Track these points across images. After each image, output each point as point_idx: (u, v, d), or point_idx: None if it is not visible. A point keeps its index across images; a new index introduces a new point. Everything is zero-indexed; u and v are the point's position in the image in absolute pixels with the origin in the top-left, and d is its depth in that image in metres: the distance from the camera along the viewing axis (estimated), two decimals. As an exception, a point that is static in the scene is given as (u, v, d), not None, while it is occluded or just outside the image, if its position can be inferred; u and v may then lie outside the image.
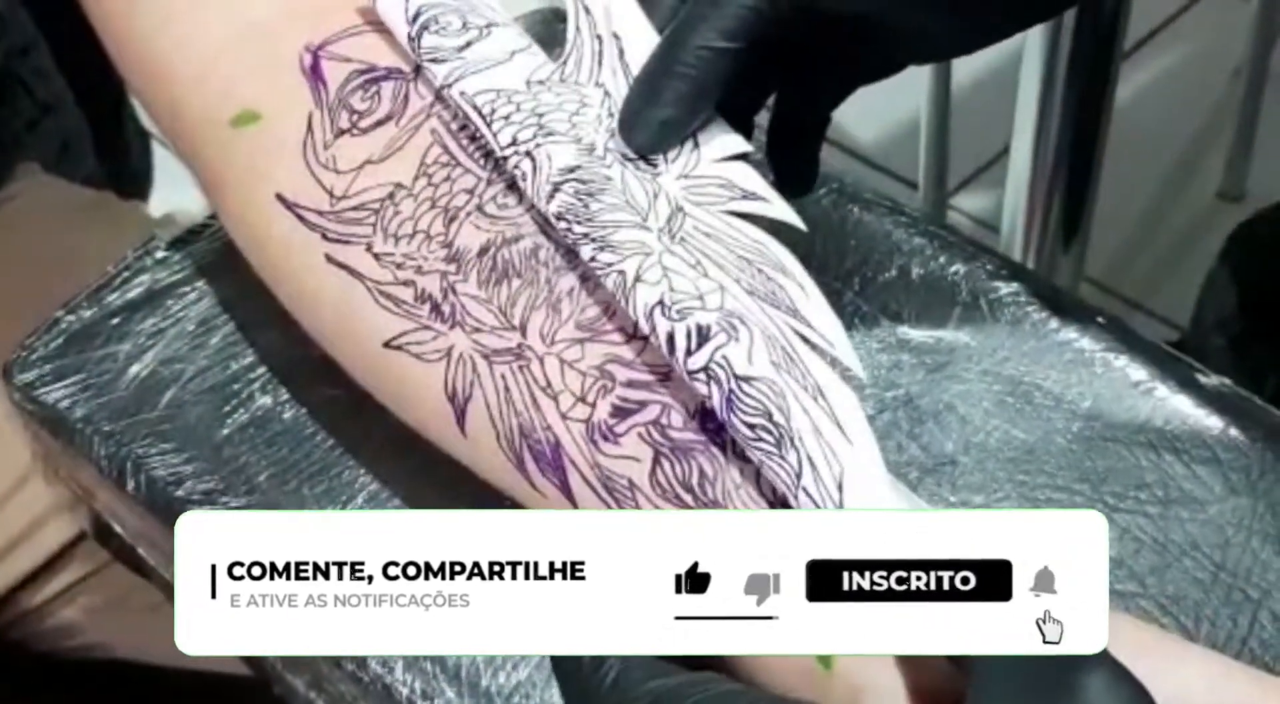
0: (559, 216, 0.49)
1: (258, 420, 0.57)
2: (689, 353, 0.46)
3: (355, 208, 0.52)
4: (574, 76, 0.53)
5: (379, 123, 0.53)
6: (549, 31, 0.67)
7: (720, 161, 0.50)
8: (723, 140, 0.50)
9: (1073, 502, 0.54)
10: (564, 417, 0.48)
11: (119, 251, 0.61)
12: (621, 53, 0.52)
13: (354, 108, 0.53)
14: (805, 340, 0.46)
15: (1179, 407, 0.56)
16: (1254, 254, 1.01)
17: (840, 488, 0.44)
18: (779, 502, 0.46)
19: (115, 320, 0.59)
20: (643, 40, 0.52)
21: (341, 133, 0.53)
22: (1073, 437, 0.55)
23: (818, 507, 0.44)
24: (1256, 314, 0.98)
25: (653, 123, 0.50)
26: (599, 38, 0.52)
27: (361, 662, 0.51)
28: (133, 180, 1.16)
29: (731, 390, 0.45)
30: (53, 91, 1.02)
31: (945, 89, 1.38)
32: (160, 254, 0.61)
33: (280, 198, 0.53)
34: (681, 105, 0.49)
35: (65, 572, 0.83)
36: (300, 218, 0.53)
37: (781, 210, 0.49)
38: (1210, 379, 0.57)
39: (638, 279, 0.47)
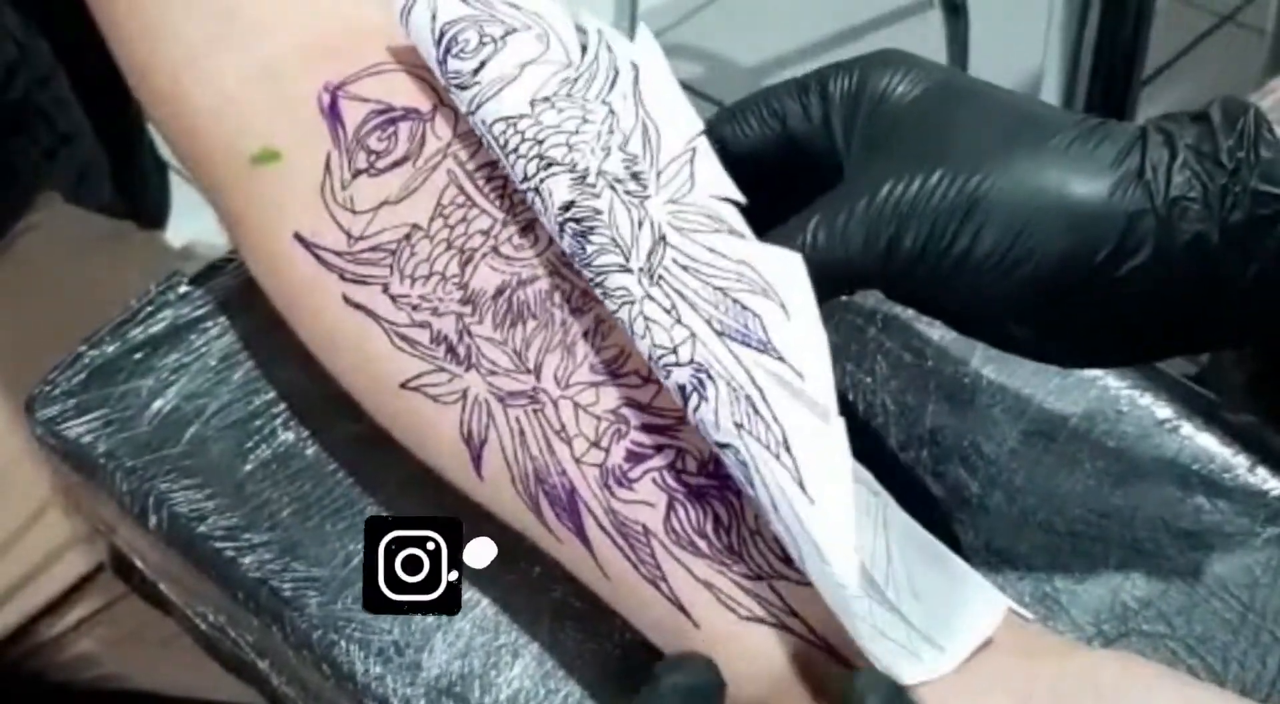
0: (570, 257, 0.49)
1: (280, 456, 0.56)
2: (686, 405, 0.46)
3: (372, 249, 0.52)
4: (582, 93, 0.52)
5: (396, 163, 0.53)
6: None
7: (712, 198, 0.49)
8: (718, 183, 0.49)
9: (1102, 539, 0.53)
10: (578, 461, 0.48)
11: (138, 281, 0.61)
12: (636, 79, 0.52)
13: (371, 148, 0.53)
14: (777, 377, 0.45)
15: (1205, 444, 0.56)
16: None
17: (804, 560, 0.44)
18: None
19: (138, 355, 0.59)
20: (661, 77, 0.52)
21: (359, 173, 0.53)
22: (1098, 475, 0.55)
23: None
24: (1274, 350, 0.98)
25: None
26: (617, 69, 0.52)
27: (384, 700, 0.51)
28: (151, 211, 1.16)
29: (716, 452, 0.46)
30: (72, 122, 1.02)
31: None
32: (183, 289, 0.61)
33: (299, 237, 0.53)
34: None
35: (82, 604, 0.83)
36: (318, 258, 0.53)
37: (763, 253, 0.47)
38: (1236, 417, 0.56)
39: (631, 331, 0.47)
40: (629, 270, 0.48)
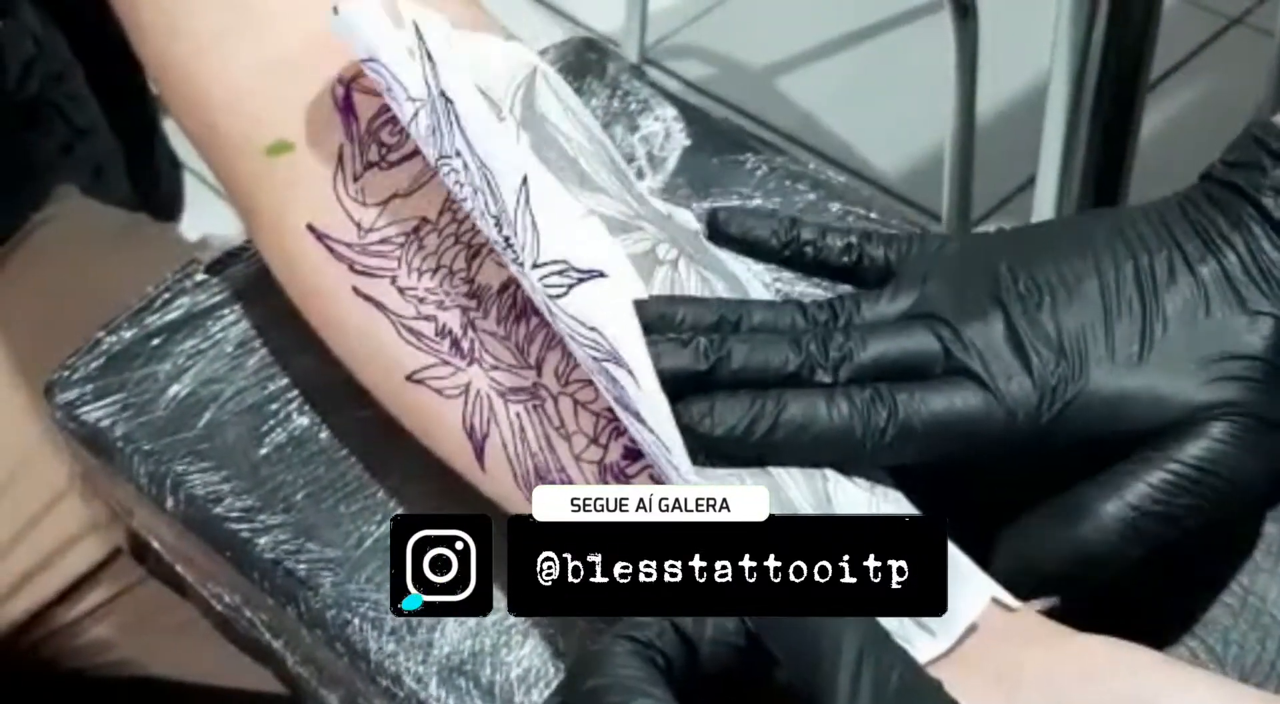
0: None
1: (295, 440, 0.57)
2: None
3: (381, 241, 0.53)
4: (441, 146, 0.50)
5: (407, 157, 0.54)
6: (580, 61, 0.68)
7: (565, 237, 0.48)
8: (564, 208, 0.48)
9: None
10: (577, 458, 0.49)
11: (154, 274, 0.62)
12: (457, 117, 0.50)
13: (383, 142, 0.54)
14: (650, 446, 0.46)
15: (1206, 433, 0.56)
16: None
17: None
18: None
19: (155, 341, 0.60)
20: (470, 99, 0.49)
21: (370, 166, 0.54)
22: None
23: None
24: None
25: None
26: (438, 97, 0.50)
27: (396, 677, 0.51)
28: (165, 208, 1.16)
29: None
30: (87, 117, 1.03)
31: (970, 120, 1.39)
32: (200, 277, 0.62)
33: (311, 228, 0.54)
34: None
35: (98, 589, 0.84)
36: (329, 249, 0.53)
37: (618, 284, 0.47)
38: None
39: None
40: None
